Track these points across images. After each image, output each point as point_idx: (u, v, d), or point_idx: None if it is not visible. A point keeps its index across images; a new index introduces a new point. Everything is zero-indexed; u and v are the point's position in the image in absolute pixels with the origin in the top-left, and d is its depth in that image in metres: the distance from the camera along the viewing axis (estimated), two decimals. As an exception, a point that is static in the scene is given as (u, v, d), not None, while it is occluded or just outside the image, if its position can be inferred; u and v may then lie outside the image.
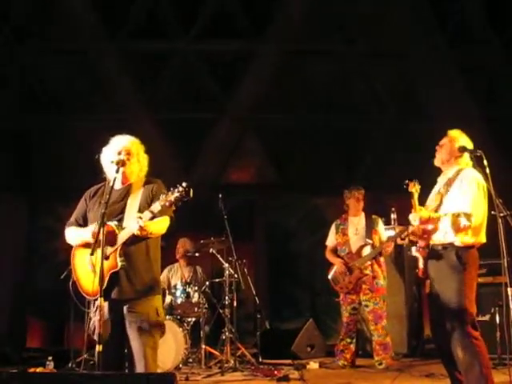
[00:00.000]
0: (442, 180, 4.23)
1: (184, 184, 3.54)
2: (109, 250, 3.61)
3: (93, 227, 3.67)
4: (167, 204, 3.53)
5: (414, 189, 4.14)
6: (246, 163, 9.44)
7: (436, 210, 4.07)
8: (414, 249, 4.18)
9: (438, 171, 4.33)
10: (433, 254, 4.06)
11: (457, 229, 3.90)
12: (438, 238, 4.04)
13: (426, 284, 4.16)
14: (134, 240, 3.67)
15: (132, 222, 3.61)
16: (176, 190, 3.53)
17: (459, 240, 3.93)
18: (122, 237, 3.64)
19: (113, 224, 3.66)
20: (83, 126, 8.69)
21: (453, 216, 3.91)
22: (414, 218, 4.06)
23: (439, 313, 4.04)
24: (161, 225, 3.71)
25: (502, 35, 8.76)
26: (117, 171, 3.75)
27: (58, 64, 8.79)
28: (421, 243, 4.12)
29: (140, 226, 3.53)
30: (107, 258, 3.59)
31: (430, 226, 4.03)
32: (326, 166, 8.98)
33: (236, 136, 9.30)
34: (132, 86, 8.98)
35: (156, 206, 3.58)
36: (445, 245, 4.00)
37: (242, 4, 8.96)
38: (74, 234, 3.85)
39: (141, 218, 3.55)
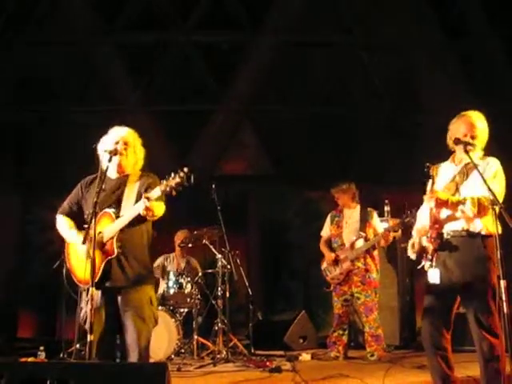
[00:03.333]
0: (453, 168, 3.98)
1: (185, 169, 3.54)
2: (106, 235, 3.60)
3: (79, 238, 3.67)
4: (168, 189, 3.53)
5: (435, 172, 3.91)
6: (241, 155, 9.42)
7: None
8: (424, 239, 3.90)
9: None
10: (449, 241, 3.82)
11: (474, 213, 3.68)
12: (458, 226, 3.81)
13: (433, 274, 3.84)
14: (129, 227, 3.67)
15: (137, 205, 3.60)
16: (177, 176, 3.52)
17: (485, 229, 3.73)
18: (125, 220, 3.62)
19: (111, 211, 3.67)
20: (78, 117, 8.66)
21: (472, 199, 3.69)
22: (428, 199, 3.76)
23: (448, 306, 3.85)
24: (160, 208, 3.71)
25: (503, 29, 8.72)
26: (109, 160, 3.76)
27: (54, 55, 8.74)
28: (432, 233, 3.85)
29: (146, 206, 3.51)
30: (104, 245, 3.59)
31: (443, 214, 3.83)
32: (322, 158, 8.97)
33: (232, 127, 9.28)
34: (128, 78, 8.94)
35: (156, 191, 3.57)
36: (470, 232, 3.77)
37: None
38: (63, 231, 3.89)
39: (148, 198, 3.53)
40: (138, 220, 3.68)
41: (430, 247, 3.86)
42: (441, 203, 3.78)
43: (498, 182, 3.77)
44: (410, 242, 4.03)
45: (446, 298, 3.87)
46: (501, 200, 3.71)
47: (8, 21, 8.55)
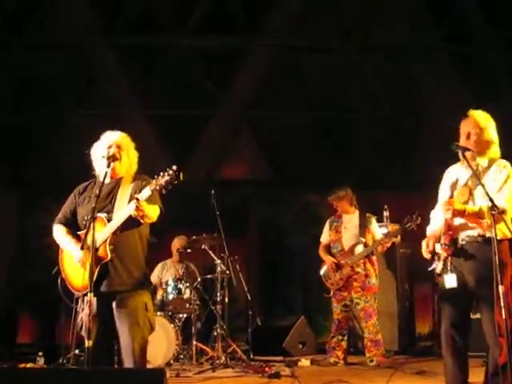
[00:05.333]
0: (464, 172, 3.93)
1: (174, 167, 3.53)
2: (99, 240, 3.60)
3: (79, 252, 3.64)
4: (158, 188, 3.53)
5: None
6: (240, 159, 9.42)
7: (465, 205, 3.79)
8: (438, 246, 3.84)
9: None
10: (464, 247, 3.78)
11: (489, 223, 3.63)
12: (474, 231, 3.77)
13: (449, 279, 3.79)
14: (124, 231, 3.66)
15: (128, 206, 3.60)
16: (166, 174, 3.52)
17: (500, 233, 3.65)
18: (116, 222, 3.62)
19: (103, 216, 3.65)
20: (76, 120, 8.66)
21: (487, 209, 3.62)
22: (446, 211, 3.74)
23: (465, 310, 3.83)
24: (153, 211, 3.70)
25: (501, 30, 8.69)
26: (108, 166, 3.75)
27: (53, 58, 8.75)
28: (445, 240, 3.82)
29: (136, 206, 3.50)
30: (97, 249, 3.57)
31: (457, 220, 3.79)
32: (320, 162, 8.96)
33: (230, 132, 9.28)
34: (126, 81, 8.95)
35: (146, 191, 3.56)
36: (485, 237, 3.72)
37: (237, -1, 8.95)
38: (60, 240, 3.86)
39: (137, 198, 3.53)
40: (132, 223, 3.65)
41: (444, 254, 3.82)
42: (457, 213, 3.74)
43: (509, 187, 3.74)
44: (425, 242, 3.97)
45: (462, 302, 3.84)
46: (509, 202, 3.70)
47: (7, 22, 8.56)
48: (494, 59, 8.81)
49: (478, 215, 3.72)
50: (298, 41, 8.93)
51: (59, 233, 3.87)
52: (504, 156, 3.96)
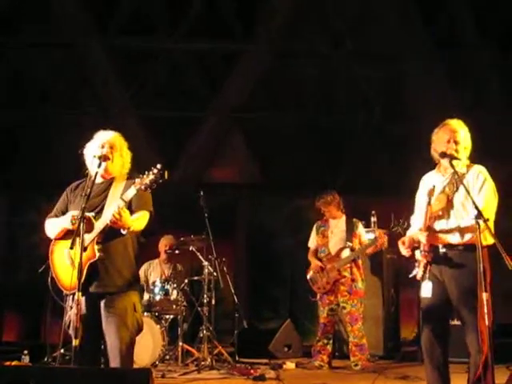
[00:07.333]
0: (440, 178, 3.96)
1: (158, 166, 3.56)
2: (86, 241, 3.59)
3: (71, 214, 3.66)
4: (143, 187, 3.54)
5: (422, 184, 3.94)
6: (230, 162, 9.45)
7: (442, 212, 3.83)
8: (418, 253, 3.87)
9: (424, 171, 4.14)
10: (445, 255, 3.80)
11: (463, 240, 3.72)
12: (452, 239, 3.78)
13: (425, 288, 3.81)
14: (113, 233, 3.66)
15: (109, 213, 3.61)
16: (151, 173, 3.54)
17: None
18: (98, 226, 3.63)
19: (90, 215, 3.65)
20: (68, 121, 8.66)
21: (460, 230, 3.71)
22: (422, 236, 3.81)
23: (445, 318, 3.89)
24: (140, 220, 3.71)
25: (490, 38, 8.79)
26: (99, 166, 3.75)
27: (45, 58, 8.74)
28: (424, 246, 3.82)
29: (113, 215, 3.51)
30: (85, 249, 3.57)
31: (437, 226, 3.82)
32: (310, 166, 9.02)
33: (221, 135, 9.31)
34: (118, 83, 8.96)
35: (131, 191, 3.57)
36: (465, 245, 3.73)
37: (230, 3, 8.97)
38: (53, 224, 3.85)
39: (118, 213, 3.54)
40: (117, 230, 3.67)
41: (424, 260, 3.83)
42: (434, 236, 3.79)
43: (487, 192, 3.77)
44: (400, 241, 4.00)
45: (442, 311, 3.86)
46: (494, 207, 3.76)
47: (-1, 22, 8.56)
48: (484, 65, 8.89)
49: (451, 232, 3.76)
50: (289, 45, 8.99)
51: (52, 220, 3.86)
52: (490, 161, 4.00)
